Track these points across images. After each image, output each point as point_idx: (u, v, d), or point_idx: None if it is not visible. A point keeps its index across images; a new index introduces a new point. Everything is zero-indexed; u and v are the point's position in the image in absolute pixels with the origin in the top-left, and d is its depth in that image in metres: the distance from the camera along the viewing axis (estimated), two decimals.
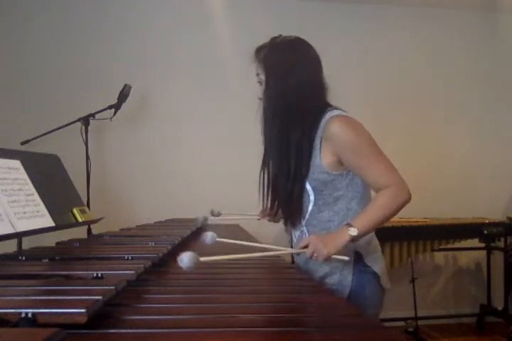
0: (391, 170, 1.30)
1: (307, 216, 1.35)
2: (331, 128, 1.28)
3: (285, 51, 1.36)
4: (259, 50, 1.39)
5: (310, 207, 1.34)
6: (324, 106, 1.35)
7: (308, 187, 1.31)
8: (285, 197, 1.34)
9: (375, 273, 1.32)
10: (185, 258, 0.92)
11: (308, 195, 1.33)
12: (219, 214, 1.95)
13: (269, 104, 1.32)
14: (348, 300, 1.26)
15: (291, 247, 1.45)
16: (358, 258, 1.31)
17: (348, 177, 1.32)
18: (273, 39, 1.39)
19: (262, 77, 1.35)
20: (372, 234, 1.40)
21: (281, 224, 1.55)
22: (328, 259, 1.19)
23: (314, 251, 1.19)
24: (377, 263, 1.35)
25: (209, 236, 1.22)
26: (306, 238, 1.27)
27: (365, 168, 1.28)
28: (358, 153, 1.28)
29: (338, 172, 1.30)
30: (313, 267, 1.33)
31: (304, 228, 1.37)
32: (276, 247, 1.28)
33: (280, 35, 1.40)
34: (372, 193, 1.35)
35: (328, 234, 1.26)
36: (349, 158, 1.28)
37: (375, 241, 1.43)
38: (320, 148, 1.29)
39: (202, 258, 0.95)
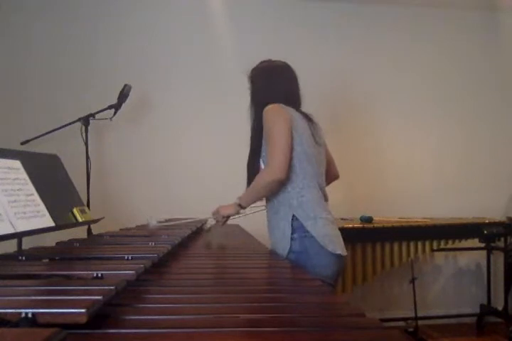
0: (275, 153, 1.58)
1: None
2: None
3: (258, 72, 1.81)
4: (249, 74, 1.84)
5: None
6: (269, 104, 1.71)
7: (262, 164, 1.68)
8: (248, 176, 1.73)
9: (313, 237, 1.58)
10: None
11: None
12: (161, 221, 2.03)
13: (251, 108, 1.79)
14: (296, 261, 1.55)
15: None
16: (299, 226, 1.60)
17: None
18: (260, 63, 1.84)
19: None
20: (321, 209, 1.65)
21: None
22: (224, 221, 1.76)
23: (215, 217, 1.77)
24: (316, 229, 1.59)
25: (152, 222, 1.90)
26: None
27: (265, 146, 1.64)
28: (265, 134, 1.64)
29: None
30: (273, 233, 1.70)
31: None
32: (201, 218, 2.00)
33: (268, 60, 1.83)
34: (312, 170, 1.66)
35: (228, 204, 1.73)
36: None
37: (323, 216, 1.65)
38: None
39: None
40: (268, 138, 1.61)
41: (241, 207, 1.68)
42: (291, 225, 1.60)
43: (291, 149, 1.61)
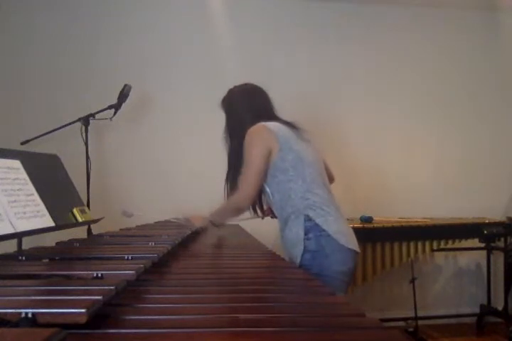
0: (246, 180, 1.67)
1: (271, 203, 1.78)
2: None
3: (229, 99, 1.93)
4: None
5: (269, 196, 1.75)
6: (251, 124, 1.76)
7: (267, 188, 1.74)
8: (228, 190, 1.85)
9: (329, 235, 1.60)
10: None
11: (264, 188, 1.74)
12: (131, 215, 2.08)
13: (227, 134, 1.88)
14: (313, 260, 1.59)
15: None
16: (313, 225, 1.61)
17: (275, 166, 1.69)
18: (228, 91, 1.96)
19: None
20: (328, 207, 1.68)
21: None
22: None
23: (184, 222, 1.87)
24: (330, 226, 1.62)
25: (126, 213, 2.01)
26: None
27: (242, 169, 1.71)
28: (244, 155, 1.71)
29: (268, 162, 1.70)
30: (287, 244, 1.70)
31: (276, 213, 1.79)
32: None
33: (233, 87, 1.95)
34: (309, 171, 1.70)
35: (199, 217, 1.84)
36: None
37: (332, 213, 1.69)
38: None
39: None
40: (245, 161, 1.68)
41: (212, 223, 1.79)
42: (304, 226, 1.62)
43: (263, 174, 1.68)
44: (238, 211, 1.75)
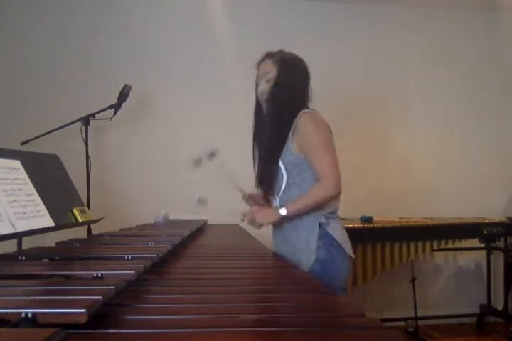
0: (332, 165, 1.54)
1: (281, 193, 1.65)
2: (298, 121, 1.60)
3: (294, 64, 1.69)
4: (271, 54, 1.70)
5: (283, 186, 1.63)
6: (302, 107, 1.66)
7: (282, 167, 1.61)
8: (263, 175, 1.67)
9: (340, 245, 1.58)
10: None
11: (282, 175, 1.62)
12: (205, 203, 1.94)
13: (273, 98, 1.65)
14: (322, 270, 1.53)
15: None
16: (324, 233, 1.57)
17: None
18: (281, 51, 1.71)
19: (271, 75, 1.65)
20: (338, 215, 1.67)
21: None
22: (260, 227, 1.60)
23: (250, 219, 1.59)
24: (340, 235, 1.60)
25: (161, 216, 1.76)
26: (250, 209, 1.65)
27: (313, 158, 1.56)
28: (310, 145, 1.57)
29: (303, 157, 1.58)
30: (289, 246, 1.62)
31: (278, 204, 1.66)
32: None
33: (282, 50, 1.71)
34: None
35: (266, 209, 1.65)
36: (304, 147, 1.58)
37: (340, 223, 1.68)
38: (292, 136, 1.60)
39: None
40: (316, 148, 1.55)
41: (285, 218, 1.57)
42: (318, 234, 1.57)
43: None
44: (330, 199, 1.57)
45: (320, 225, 1.58)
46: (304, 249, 1.57)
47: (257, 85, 1.72)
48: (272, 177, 1.63)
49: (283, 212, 1.55)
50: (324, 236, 1.57)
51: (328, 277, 1.52)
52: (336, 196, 1.57)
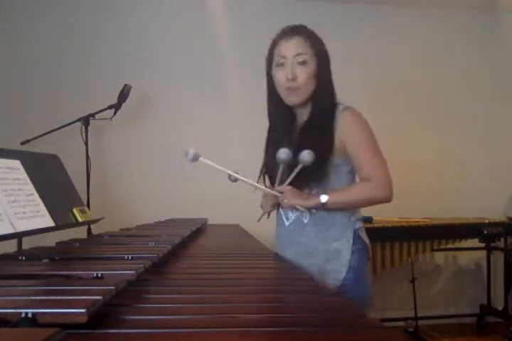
0: (383, 167, 1.39)
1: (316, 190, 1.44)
2: (342, 118, 1.41)
3: (328, 55, 1.48)
4: (301, 31, 1.42)
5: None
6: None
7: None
8: (312, 176, 1.41)
9: (367, 248, 1.47)
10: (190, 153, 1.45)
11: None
12: (236, 180, 1.58)
13: (311, 82, 1.43)
14: (355, 280, 1.39)
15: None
16: (357, 236, 1.44)
17: (350, 164, 1.43)
18: (312, 32, 1.44)
19: (306, 57, 1.40)
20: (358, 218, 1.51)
21: None
22: (290, 207, 1.41)
23: (285, 197, 1.37)
24: (366, 237, 1.48)
25: (191, 153, 1.48)
26: (284, 186, 1.41)
27: (362, 158, 1.40)
28: (359, 144, 1.41)
29: (343, 159, 1.42)
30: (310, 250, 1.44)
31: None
32: (257, 185, 1.48)
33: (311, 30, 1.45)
34: None
35: (302, 192, 1.41)
36: (351, 146, 1.41)
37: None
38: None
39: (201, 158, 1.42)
40: (371, 145, 1.42)
41: (322, 205, 1.37)
42: (352, 240, 1.42)
43: None
44: (376, 203, 1.44)
45: (354, 230, 1.45)
46: (334, 258, 1.41)
47: (270, 68, 1.46)
48: (322, 177, 1.42)
49: (323, 199, 1.35)
50: (356, 239, 1.43)
51: (361, 289, 1.40)
52: (385, 201, 1.42)
